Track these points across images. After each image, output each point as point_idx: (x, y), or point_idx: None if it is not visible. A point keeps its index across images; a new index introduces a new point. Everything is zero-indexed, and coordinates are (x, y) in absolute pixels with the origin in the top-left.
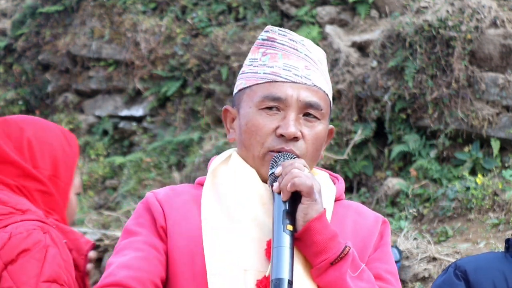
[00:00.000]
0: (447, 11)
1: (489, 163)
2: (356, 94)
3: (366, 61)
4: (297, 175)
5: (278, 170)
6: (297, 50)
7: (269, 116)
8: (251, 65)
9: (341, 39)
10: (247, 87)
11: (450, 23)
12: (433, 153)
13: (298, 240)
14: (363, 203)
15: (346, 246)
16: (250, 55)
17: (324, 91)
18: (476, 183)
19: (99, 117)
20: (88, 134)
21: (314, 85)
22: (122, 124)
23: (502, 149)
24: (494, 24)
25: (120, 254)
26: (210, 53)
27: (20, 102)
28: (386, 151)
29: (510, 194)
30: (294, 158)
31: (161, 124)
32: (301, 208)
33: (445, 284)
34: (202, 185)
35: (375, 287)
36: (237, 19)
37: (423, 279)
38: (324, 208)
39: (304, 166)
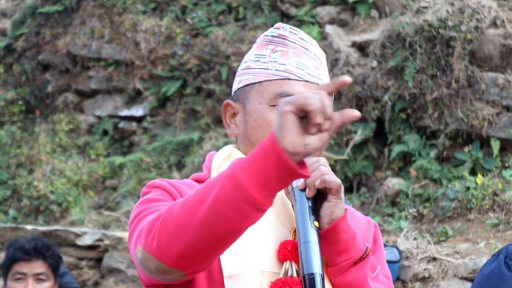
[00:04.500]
0: (447, 11)
1: (489, 163)
2: (356, 94)
3: (366, 61)
4: (326, 172)
5: None
6: (307, 49)
7: None
8: (258, 60)
9: (341, 39)
10: (256, 82)
11: (450, 23)
12: (433, 153)
13: (321, 238)
14: (363, 203)
15: (367, 247)
16: (255, 51)
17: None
18: (476, 183)
19: (99, 117)
20: (88, 134)
21: None
22: (122, 124)
23: (502, 149)
24: (494, 24)
25: (147, 213)
26: (210, 53)
27: (20, 102)
28: (386, 151)
29: (510, 194)
30: (312, 157)
31: (161, 124)
32: (327, 206)
33: (494, 276)
34: (199, 182)
35: None
36: (237, 19)
37: (423, 279)
38: (346, 208)
39: (327, 164)
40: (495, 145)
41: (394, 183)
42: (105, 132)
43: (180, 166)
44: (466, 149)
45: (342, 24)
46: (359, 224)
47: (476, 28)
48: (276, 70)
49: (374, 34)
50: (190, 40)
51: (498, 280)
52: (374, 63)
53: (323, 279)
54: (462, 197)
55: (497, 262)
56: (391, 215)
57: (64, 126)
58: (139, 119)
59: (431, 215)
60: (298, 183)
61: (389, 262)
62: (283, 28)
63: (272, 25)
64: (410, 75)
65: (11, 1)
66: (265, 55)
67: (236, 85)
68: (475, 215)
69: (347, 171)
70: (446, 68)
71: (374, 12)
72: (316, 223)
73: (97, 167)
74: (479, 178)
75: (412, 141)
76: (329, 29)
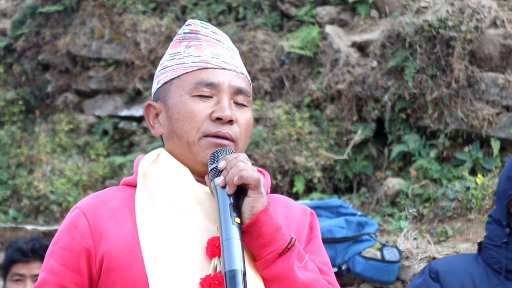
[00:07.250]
0: (447, 11)
1: (489, 163)
2: (356, 94)
3: (366, 61)
4: (244, 168)
5: (222, 164)
6: (220, 41)
7: (203, 102)
8: (174, 58)
9: (341, 39)
10: (175, 77)
11: (450, 23)
12: (433, 153)
13: (245, 233)
14: (363, 203)
15: (292, 238)
16: (170, 51)
17: (249, 80)
18: (476, 183)
19: (99, 117)
20: (88, 134)
21: (242, 73)
22: (122, 124)
23: (502, 149)
24: (494, 24)
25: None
26: None
27: (20, 102)
28: (386, 151)
29: None
30: (233, 153)
31: None
32: (247, 201)
33: (421, 285)
34: (129, 186)
35: (320, 277)
36: (237, 19)
37: None
38: (269, 201)
39: (247, 159)
40: (495, 145)
41: (394, 183)
42: (105, 132)
43: None
44: (466, 149)
45: (342, 24)
46: (293, 214)
47: (476, 28)
48: (193, 62)
49: (374, 34)
50: None
51: None
52: (374, 63)
53: (244, 275)
54: (462, 197)
55: (424, 276)
56: (391, 215)
57: (64, 126)
58: (139, 119)
59: (431, 215)
60: (218, 181)
61: (389, 262)
62: (194, 24)
63: (272, 25)
64: (410, 75)
65: (11, 1)
66: (180, 52)
67: (155, 87)
68: (475, 215)
69: (347, 171)
70: (446, 68)
71: (374, 12)
72: (238, 220)
73: (97, 167)
74: (479, 178)
75: (412, 141)
76: (329, 29)
